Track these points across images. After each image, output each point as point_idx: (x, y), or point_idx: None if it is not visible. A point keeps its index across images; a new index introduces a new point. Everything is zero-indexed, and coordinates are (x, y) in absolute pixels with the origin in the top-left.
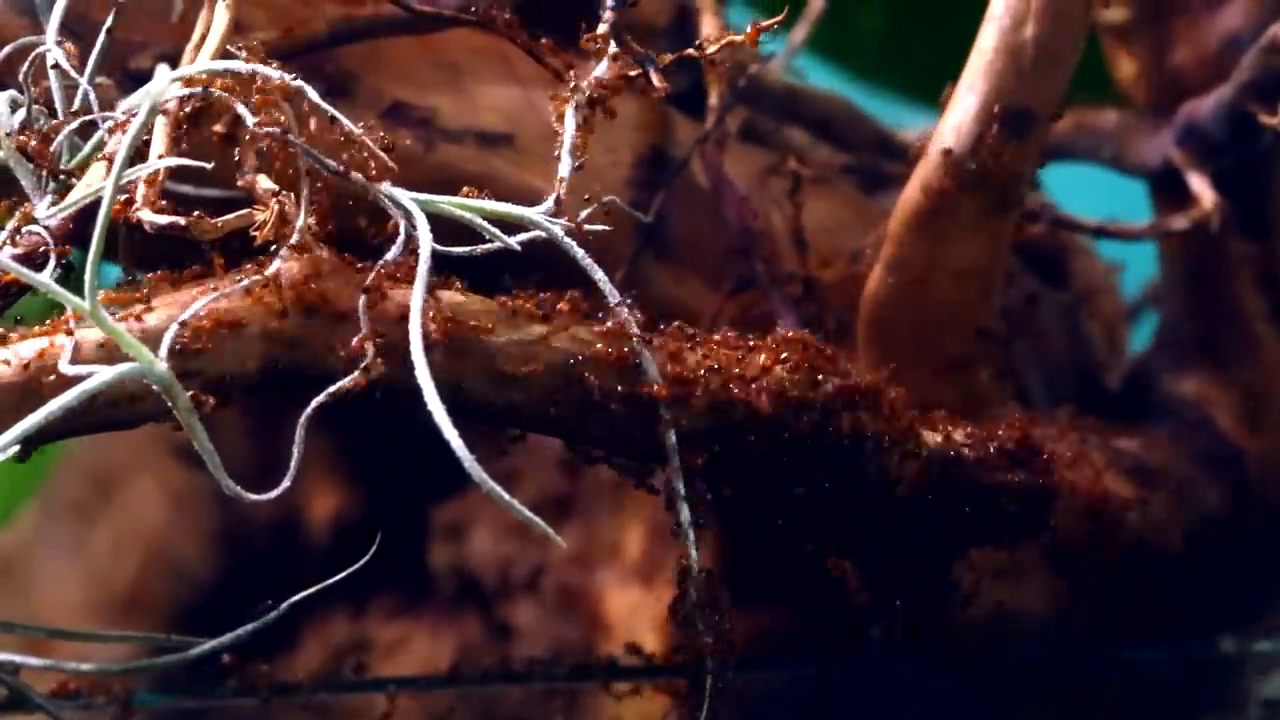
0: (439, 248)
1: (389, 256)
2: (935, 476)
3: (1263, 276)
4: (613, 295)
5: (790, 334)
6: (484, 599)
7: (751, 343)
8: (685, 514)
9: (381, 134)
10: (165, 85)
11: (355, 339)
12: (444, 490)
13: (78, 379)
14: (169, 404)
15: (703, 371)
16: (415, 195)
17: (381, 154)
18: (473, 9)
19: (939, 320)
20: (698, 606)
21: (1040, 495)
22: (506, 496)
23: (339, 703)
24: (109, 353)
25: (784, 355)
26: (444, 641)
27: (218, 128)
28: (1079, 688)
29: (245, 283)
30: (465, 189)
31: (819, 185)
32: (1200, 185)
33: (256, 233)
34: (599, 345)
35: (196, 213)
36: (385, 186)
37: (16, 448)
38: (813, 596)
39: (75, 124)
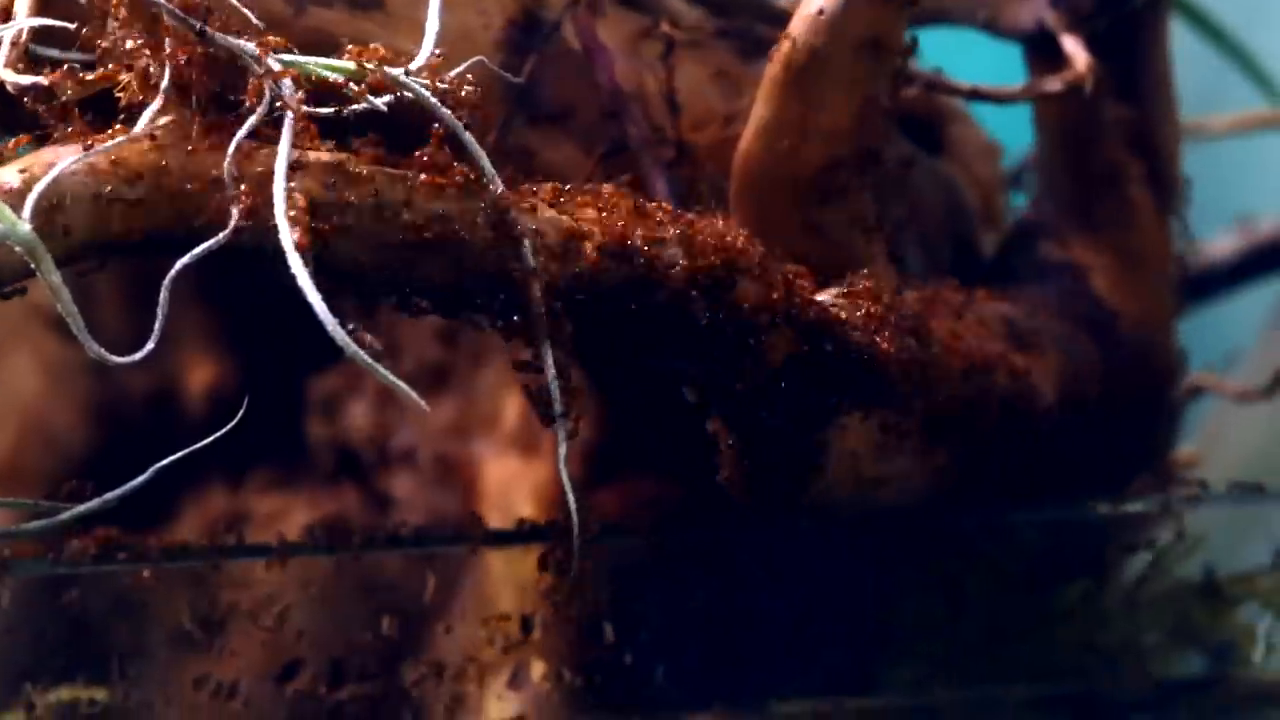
0: (306, 109)
1: (254, 118)
2: (807, 341)
3: (1136, 139)
4: (479, 155)
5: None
6: (362, 470)
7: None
8: (552, 378)
9: None
10: None
11: (220, 200)
12: (321, 362)
13: None
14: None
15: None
16: (281, 56)
17: (248, 14)
18: None
19: (809, 182)
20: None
21: (915, 360)
22: (371, 362)
23: (215, 571)
24: None
25: (660, 220)
26: (322, 513)
27: None
28: (953, 551)
29: (110, 144)
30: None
31: (693, 49)
32: (1074, 47)
33: (121, 94)
34: (466, 204)
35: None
36: (251, 46)
37: None
38: (691, 465)
39: None
